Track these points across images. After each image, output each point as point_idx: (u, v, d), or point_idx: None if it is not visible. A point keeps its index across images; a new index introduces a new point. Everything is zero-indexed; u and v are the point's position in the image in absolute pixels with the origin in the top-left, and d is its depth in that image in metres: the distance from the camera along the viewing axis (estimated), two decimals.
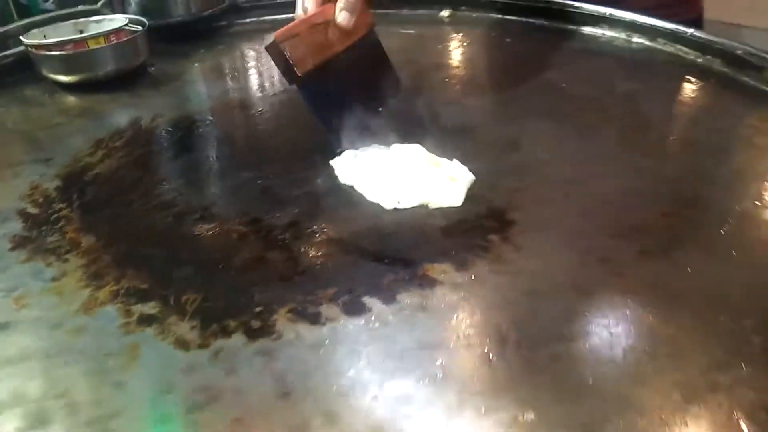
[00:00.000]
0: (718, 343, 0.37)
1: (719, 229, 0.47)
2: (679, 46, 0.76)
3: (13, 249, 0.48)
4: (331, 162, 0.57)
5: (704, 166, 0.56)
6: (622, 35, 0.82)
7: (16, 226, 0.51)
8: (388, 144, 0.58)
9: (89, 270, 0.46)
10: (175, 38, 0.89)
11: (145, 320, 0.41)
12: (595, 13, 0.83)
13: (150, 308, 0.42)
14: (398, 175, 0.54)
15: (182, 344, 0.39)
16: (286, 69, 0.55)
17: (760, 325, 0.38)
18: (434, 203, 0.51)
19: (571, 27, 0.85)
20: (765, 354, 0.36)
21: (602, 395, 0.34)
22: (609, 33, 0.83)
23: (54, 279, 0.45)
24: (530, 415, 0.33)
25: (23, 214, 0.52)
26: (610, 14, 0.83)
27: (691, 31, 0.75)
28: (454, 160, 0.56)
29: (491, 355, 0.37)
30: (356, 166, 0.57)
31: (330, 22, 0.58)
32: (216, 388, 0.36)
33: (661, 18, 0.78)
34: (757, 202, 0.50)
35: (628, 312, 0.40)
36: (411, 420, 0.33)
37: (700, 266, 0.43)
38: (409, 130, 0.60)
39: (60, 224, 0.51)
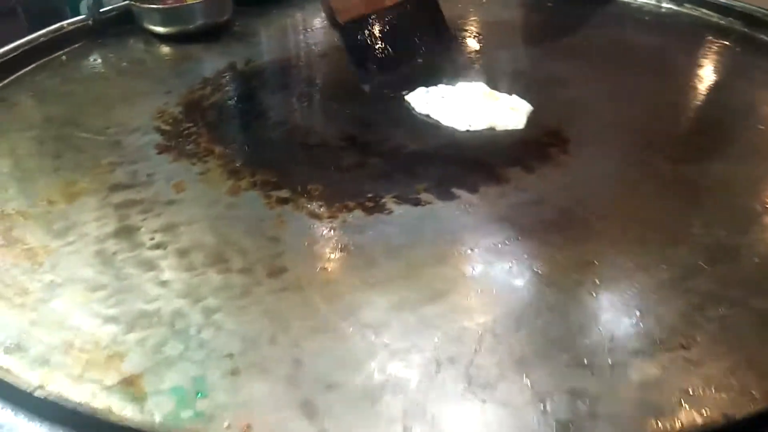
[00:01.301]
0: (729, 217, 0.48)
1: (734, 144, 0.58)
2: (703, 10, 0.86)
3: (160, 153, 0.59)
4: (406, 97, 0.68)
5: (722, 100, 0.67)
6: (653, 1, 0.92)
7: (157, 137, 0.62)
8: (453, 83, 0.69)
9: (227, 168, 0.57)
10: (247, 1, 0.99)
11: (282, 201, 0.52)
12: None
13: (283, 193, 0.53)
14: (467, 105, 0.65)
15: (315, 216, 0.50)
16: (330, 16, 0.66)
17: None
18: (500, 126, 0.62)
19: None
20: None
21: (641, 244, 0.45)
22: (642, 1, 0.93)
23: (201, 173, 0.56)
24: (596, 260, 0.44)
25: (159, 130, 0.63)
26: None
27: None
28: (513, 95, 0.66)
29: (560, 222, 0.48)
30: (429, 99, 0.67)
31: None
32: (350, 242, 0.47)
33: None
34: (760, 126, 0.61)
35: (664, 200, 0.51)
36: (496, 264, 0.44)
37: (719, 169, 0.54)
38: (470, 72, 0.71)
39: (193, 137, 0.62)
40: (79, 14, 0.87)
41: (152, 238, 0.48)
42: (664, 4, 0.91)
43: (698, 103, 0.67)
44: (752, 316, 0.39)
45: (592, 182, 0.53)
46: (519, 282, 0.43)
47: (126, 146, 0.61)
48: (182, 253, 0.46)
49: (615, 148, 0.58)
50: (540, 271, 0.43)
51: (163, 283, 0.43)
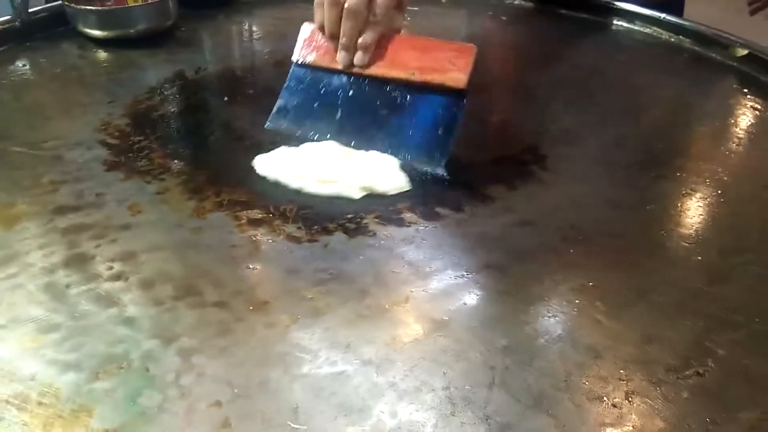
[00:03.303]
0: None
1: (709, 151, 0.59)
2: (654, 28, 0.88)
3: (108, 170, 0.54)
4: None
5: (677, 118, 0.68)
6: (604, 20, 0.93)
7: (103, 152, 0.56)
8: (296, 144, 0.57)
9: (187, 186, 0.52)
10: (193, 5, 0.93)
11: (255, 222, 0.47)
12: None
13: (255, 214, 0.48)
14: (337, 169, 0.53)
15: (294, 239, 0.46)
16: None
17: None
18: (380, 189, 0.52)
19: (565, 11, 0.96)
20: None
21: (637, 267, 0.44)
22: (594, 18, 0.94)
23: (158, 193, 0.51)
24: (591, 283, 0.42)
25: (105, 144, 0.57)
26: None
27: (664, 15, 0.87)
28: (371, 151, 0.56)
29: (551, 244, 0.46)
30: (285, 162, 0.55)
31: None
32: (334, 269, 0.43)
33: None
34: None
35: (646, 215, 0.50)
36: (497, 290, 0.42)
37: (699, 183, 0.54)
38: None
39: (144, 152, 0.56)
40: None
41: (110, 268, 0.42)
42: (615, 21, 0.93)
43: (662, 117, 0.68)
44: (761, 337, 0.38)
45: (579, 202, 0.52)
46: (523, 309, 0.40)
47: (68, 162, 0.54)
48: (146, 284, 0.41)
49: (594, 166, 0.57)
50: (546, 298, 0.41)
51: (128, 321, 0.38)
